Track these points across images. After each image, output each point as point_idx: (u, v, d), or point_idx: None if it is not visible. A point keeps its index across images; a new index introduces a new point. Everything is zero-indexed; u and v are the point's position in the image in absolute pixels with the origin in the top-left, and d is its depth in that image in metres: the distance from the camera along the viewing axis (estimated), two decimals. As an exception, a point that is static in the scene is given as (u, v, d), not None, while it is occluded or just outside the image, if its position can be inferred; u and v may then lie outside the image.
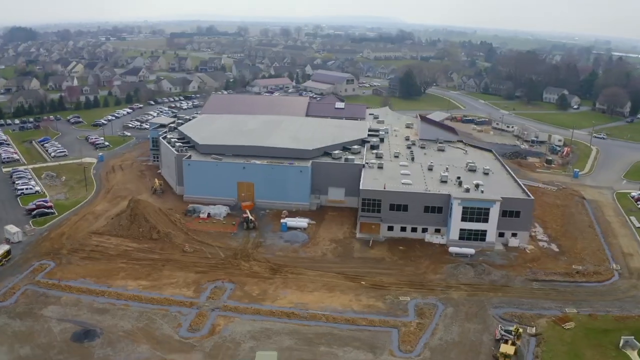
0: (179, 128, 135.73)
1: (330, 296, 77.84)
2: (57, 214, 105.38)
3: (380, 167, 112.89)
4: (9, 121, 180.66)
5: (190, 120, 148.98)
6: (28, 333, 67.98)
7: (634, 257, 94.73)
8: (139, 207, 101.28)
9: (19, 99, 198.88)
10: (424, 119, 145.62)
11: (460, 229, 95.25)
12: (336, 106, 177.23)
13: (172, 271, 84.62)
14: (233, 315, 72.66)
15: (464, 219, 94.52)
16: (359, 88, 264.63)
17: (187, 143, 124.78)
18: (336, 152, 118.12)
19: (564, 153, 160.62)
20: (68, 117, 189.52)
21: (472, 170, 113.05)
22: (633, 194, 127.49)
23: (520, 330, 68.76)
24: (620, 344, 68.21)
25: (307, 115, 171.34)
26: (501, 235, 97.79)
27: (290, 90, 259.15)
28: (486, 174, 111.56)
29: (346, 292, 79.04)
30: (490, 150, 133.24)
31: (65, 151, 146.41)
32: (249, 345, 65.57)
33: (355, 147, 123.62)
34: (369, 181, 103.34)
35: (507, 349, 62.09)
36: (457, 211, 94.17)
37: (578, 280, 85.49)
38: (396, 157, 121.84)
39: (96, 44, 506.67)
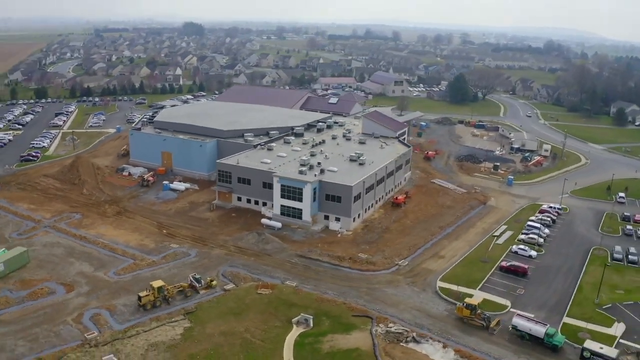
0: (163, 109, 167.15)
1: (127, 234, 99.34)
2: (37, 161, 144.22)
3: (270, 149, 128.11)
4: (90, 98, 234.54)
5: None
6: None
7: (438, 261, 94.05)
8: (78, 161, 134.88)
9: (113, 82, 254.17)
10: (368, 116, 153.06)
11: (281, 205, 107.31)
12: (329, 101, 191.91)
13: (57, 203, 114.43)
14: (52, 232, 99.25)
15: (282, 196, 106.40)
16: (408, 90, 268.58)
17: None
18: (248, 134, 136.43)
19: (534, 162, 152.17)
20: (137, 99, 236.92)
21: (353, 160, 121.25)
22: (544, 206, 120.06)
23: (214, 282, 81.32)
24: (296, 319, 73.66)
25: (302, 107, 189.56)
26: (327, 217, 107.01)
27: (346, 89, 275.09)
28: (361, 164, 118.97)
29: (142, 234, 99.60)
30: (409, 146, 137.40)
31: (99, 123, 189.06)
32: (35, 247, 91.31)
33: (274, 132, 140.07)
34: (237, 157, 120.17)
35: (156, 282, 76.92)
36: (276, 188, 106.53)
37: (342, 265, 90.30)
38: (304, 144, 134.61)
39: (243, 42, 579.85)
